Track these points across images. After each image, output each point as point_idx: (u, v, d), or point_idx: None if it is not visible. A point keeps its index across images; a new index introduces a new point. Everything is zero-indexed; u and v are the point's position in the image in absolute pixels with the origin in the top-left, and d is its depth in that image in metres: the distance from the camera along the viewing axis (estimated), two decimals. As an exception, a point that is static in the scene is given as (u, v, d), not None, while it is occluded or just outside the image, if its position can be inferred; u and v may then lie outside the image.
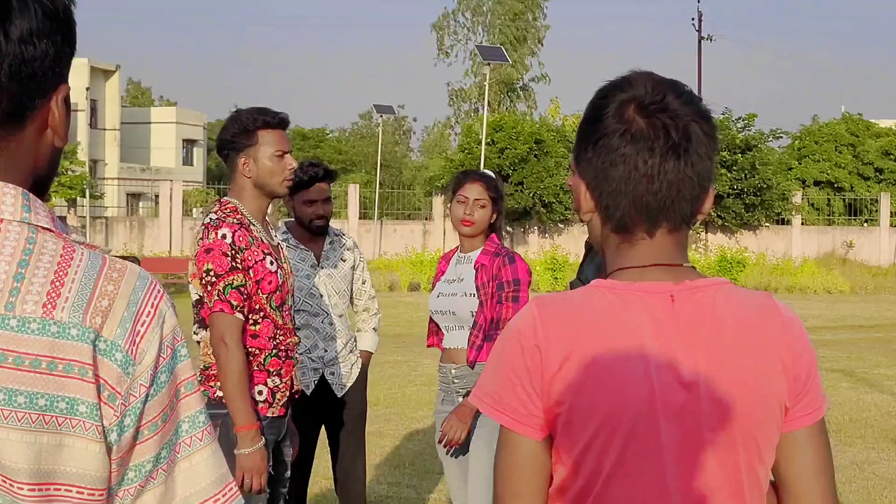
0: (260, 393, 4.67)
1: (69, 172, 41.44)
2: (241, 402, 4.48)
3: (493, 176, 5.83)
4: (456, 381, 5.58)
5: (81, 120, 62.35)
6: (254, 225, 4.69)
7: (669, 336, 2.01)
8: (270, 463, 4.70)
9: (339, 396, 6.17)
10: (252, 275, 4.60)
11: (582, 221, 2.19)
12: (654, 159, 2.01)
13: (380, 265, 36.56)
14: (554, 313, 2.02)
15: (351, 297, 6.38)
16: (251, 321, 4.64)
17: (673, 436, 1.99)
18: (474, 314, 5.50)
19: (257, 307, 4.65)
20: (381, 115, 51.98)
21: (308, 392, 6.05)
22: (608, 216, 2.08)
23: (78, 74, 63.32)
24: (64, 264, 1.67)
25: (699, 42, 58.80)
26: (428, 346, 5.96)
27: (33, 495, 1.62)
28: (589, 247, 4.40)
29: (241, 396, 4.49)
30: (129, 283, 1.70)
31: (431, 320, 5.86)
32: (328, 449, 6.46)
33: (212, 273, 4.54)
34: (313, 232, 6.16)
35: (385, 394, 13.05)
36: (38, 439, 1.61)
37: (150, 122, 71.78)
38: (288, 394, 4.81)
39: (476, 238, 5.68)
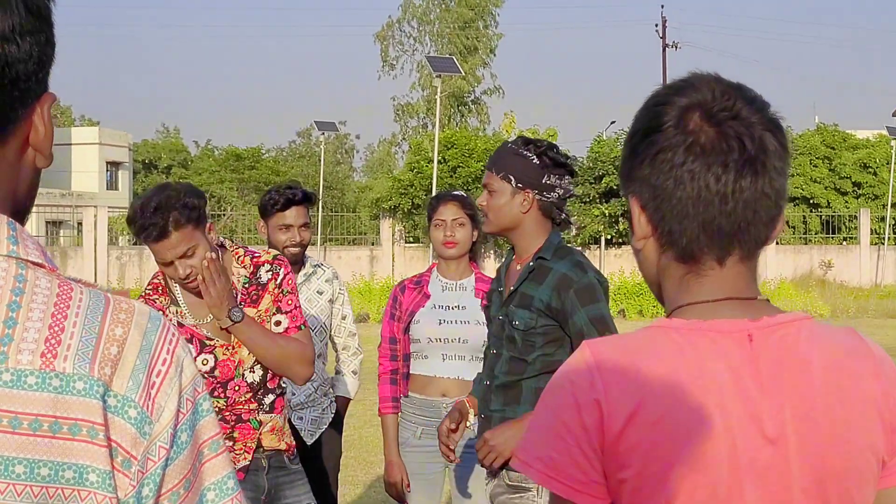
0: None
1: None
2: None
3: (465, 195, 6.00)
4: None
5: (-6, 142, 62.06)
6: (177, 305, 4.59)
7: (749, 383, 1.88)
8: None
9: (308, 444, 6.02)
10: None
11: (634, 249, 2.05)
12: (729, 175, 1.88)
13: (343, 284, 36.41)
14: (613, 360, 1.88)
15: (330, 334, 6.26)
16: None
17: (759, 498, 1.86)
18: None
19: None
20: (322, 133, 51.80)
21: None
22: (671, 242, 1.95)
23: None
24: (62, 305, 1.54)
25: (663, 49, 59.37)
26: (385, 411, 5.92)
27: None
28: (532, 268, 4.38)
29: None
30: (139, 325, 1.57)
31: (398, 359, 5.85)
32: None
33: None
34: (290, 260, 5.98)
35: (363, 436, 12.86)
36: None
37: (70, 144, 71.26)
38: (249, 457, 4.68)
39: (461, 260, 5.86)
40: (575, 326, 4.22)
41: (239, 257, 4.69)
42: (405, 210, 41.60)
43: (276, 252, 4.77)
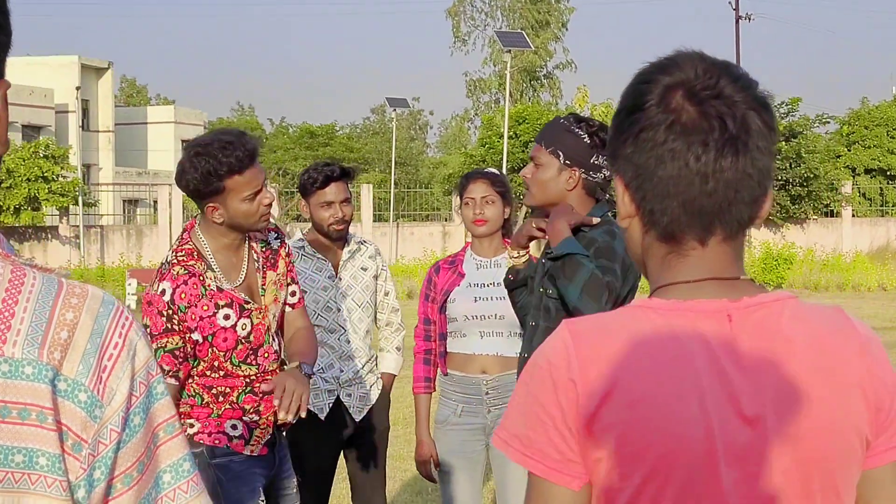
0: (234, 427, 4.57)
1: (60, 179, 41.49)
2: None
3: (497, 172, 6.01)
4: (490, 392, 5.63)
5: (72, 122, 62.58)
6: (212, 270, 4.52)
7: (727, 363, 1.84)
8: (263, 500, 4.62)
9: (356, 421, 6.03)
10: (200, 334, 4.45)
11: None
12: (709, 155, 1.84)
13: (396, 271, 36.47)
14: (590, 340, 1.85)
15: (376, 310, 6.27)
16: (211, 377, 4.54)
17: (737, 482, 1.83)
18: None
19: (215, 364, 4.53)
20: (395, 110, 52.08)
21: (322, 416, 5.95)
22: (653, 222, 1.91)
23: (68, 73, 63.73)
24: (13, 290, 1.53)
25: (736, 21, 58.71)
26: (418, 391, 5.95)
27: None
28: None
29: None
30: (91, 309, 1.56)
31: (432, 339, 5.89)
32: (346, 476, 6.36)
33: (148, 331, 4.38)
34: (332, 238, 6.00)
35: (403, 413, 12.84)
36: None
37: (146, 123, 71.97)
38: (270, 432, 4.68)
39: (493, 238, 5.87)
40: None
41: None
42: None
43: (274, 221, 4.75)
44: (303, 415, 4.39)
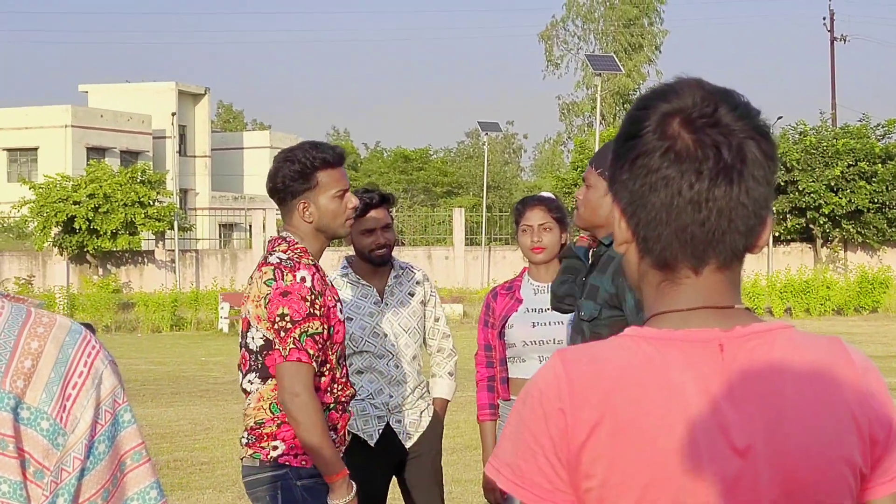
0: None
1: (157, 203, 42.07)
2: (329, 451, 4.47)
3: (553, 197, 6.04)
4: None
5: (169, 147, 63.52)
6: (319, 268, 4.63)
7: (718, 393, 1.81)
8: None
9: (406, 447, 6.02)
10: (326, 323, 4.55)
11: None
12: (702, 183, 1.82)
13: (484, 294, 36.61)
14: (581, 371, 1.83)
15: (424, 337, 6.25)
16: (318, 373, 4.58)
17: None
18: None
19: (325, 361, 4.59)
20: (487, 133, 52.23)
21: (371, 442, 5.92)
22: (646, 249, 1.89)
23: (165, 99, 64.67)
24: None
25: (832, 43, 58.37)
26: (483, 419, 6.01)
27: None
28: (596, 254, 4.26)
29: (327, 446, 4.46)
30: (56, 338, 1.57)
31: (494, 365, 5.93)
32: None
33: (287, 319, 4.44)
34: (375, 264, 5.99)
35: (465, 439, 12.69)
36: None
37: (242, 148, 72.87)
38: (343, 448, 4.74)
39: (551, 263, 5.82)
40: (627, 309, 4.13)
41: None
42: (569, 210, 41.67)
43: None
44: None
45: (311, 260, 4.60)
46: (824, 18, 60.05)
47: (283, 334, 4.44)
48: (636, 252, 1.93)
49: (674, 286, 1.89)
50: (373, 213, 5.88)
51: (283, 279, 4.49)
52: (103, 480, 1.57)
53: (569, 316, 5.69)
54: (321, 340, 4.49)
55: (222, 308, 33.50)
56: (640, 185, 1.86)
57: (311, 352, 4.44)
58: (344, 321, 4.67)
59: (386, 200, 5.95)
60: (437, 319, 6.21)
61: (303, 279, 4.49)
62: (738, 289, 1.92)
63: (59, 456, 1.53)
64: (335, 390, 4.65)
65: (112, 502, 1.58)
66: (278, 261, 4.55)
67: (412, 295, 6.09)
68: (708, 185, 1.82)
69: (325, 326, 4.53)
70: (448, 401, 6.29)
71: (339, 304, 4.66)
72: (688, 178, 1.82)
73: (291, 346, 4.43)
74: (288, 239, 4.64)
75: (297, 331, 4.44)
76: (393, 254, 6.09)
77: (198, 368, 22.59)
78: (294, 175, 4.59)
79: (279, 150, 4.71)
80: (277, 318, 4.46)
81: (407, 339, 6.01)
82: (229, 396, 17.69)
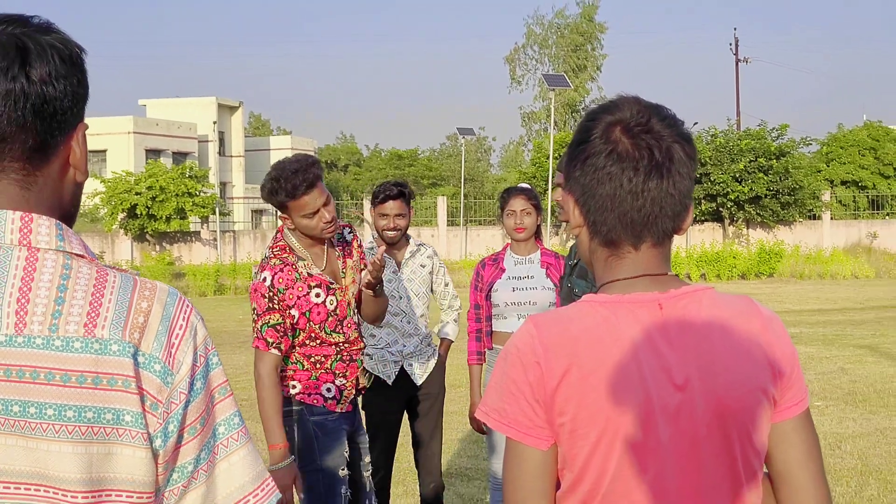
0: (328, 390, 4.57)
1: (202, 194, 41.75)
2: (272, 422, 4.36)
3: (531, 188, 6.03)
4: None
5: (211, 149, 63.06)
6: (302, 260, 4.53)
7: (660, 342, 1.85)
8: (347, 451, 4.63)
9: (417, 385, 6.07)
10: (297, 310, 4.46)
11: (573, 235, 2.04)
12: (639, 178, 1.85)
13: (465, 265, 36.45)
14: (551, 330, 1.86)
15: (439, 298, 6.31)
16: (310, 345, 4.53)
17: (671, 435, 1.83)
18: (553, 304, 5.68)
19: (313, 336, 4.53)
20: (464, 137, 51.88)
21: (389, 382, 5.98)
22: (595, 231, 1.92)
23: (207, 110, 64.19)
24: (100, 286, 1.57)
25: (736, 64, 58.09)
26: (472, 362, 5.99)
27: (87, 502, 1.52)
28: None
29: (271, 419, 4.37)
30: (160, 300, 1.61)
31: (481, 320, 5.94)
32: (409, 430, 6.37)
33: (254, 311, 4.43)
34: (388, 242, 6.00)
35: (458, 379, 12.80)
36: (89, 449, 1.51)
37: (269, 149, 72.23)
38: (354, 392, 4.68)
39: (529, 241, 5.91)
40: None
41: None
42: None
43: (348, 219, 4.79)
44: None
45: (283, 258, 4.49)
46: (730, 44, 59.87)
47: (252, 324, 4.44)
48: (587, 234, 1.95)
49: (619, 260, 1.92)
50: (389, 203, 5.90)
51: (256, 276, 4.49)
52: (201, 409, 1.60)
53: (540, 282, 5.76)
54: (282, 330, 4.42)
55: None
56: (590, 180, 1.89)
57: (270, 340, 4.40)
58: (325, 300, 4.51)
59: (402, 195, 5.95)
60: (446, 285, 6.27)
61: (264, 279, 4.44)
62: (669, 260, 1.94)
63: (169, 391, 1.56)
64: (340, 347, 4.59)
65: (207, 426, 1.61)
66: (262, 258, 4.56)
67: (423, 266, 6.13)
68: (643, 179, 1.85)
69: (289, 316, 4.44)
70: (452, 341, 6.36)
71: (315, 289, 4.51)
72: (627, 174, 1.85)
73: (255, 335, 4.42)
74: (277, 237, 4.60)
75: (259, 322, 4.42)
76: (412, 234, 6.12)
77: (236, 325, 22.52)
78: (267, 199, 4.50)
79: (280, 159, 4.51)
80: (251, 310, 4.46)
81: (417, 301, 6.06)
82: (263, 347, 17.68)
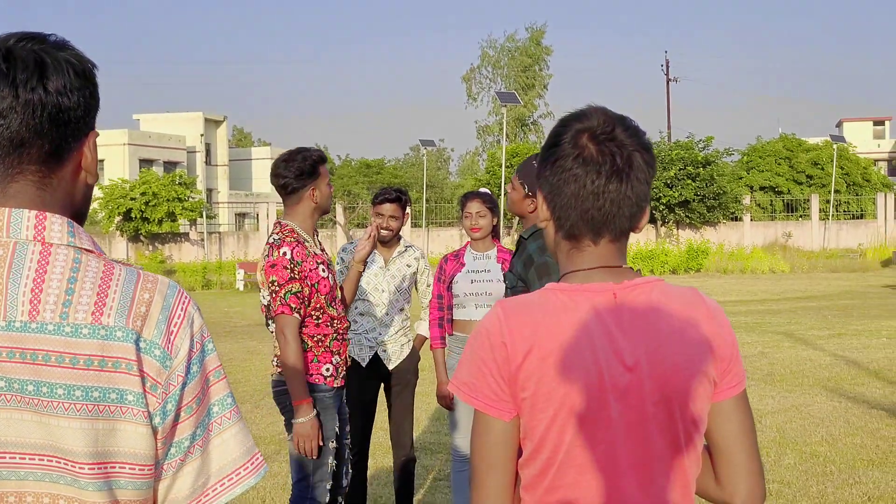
0: (328, 369, 4.61)
1: (190, 199, 41.55)
2: (297, 381, 4.43)
3: (489, 192, 6.00)
4: None
5: (199, 159, 62.76)
6: (307, 241, 4.60)
7: (613, 327, 1.84)
8: (338, 425, 4.65)
9: (389, 369, 6.05)
10: (308, 282, 4.52)
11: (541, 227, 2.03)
12: (600, 180, 1.84)
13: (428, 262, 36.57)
14: (516, 314, 1.86)
15: (421, 296, 6.29)
16: (314, 318, 4.57)
17: (621, 411, 1.83)
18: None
19: (318, 307, 4.57)
20: (426, 148, 51.82)
21: (363, 364, 5.98)
22: (560, 225, 1.92)
23: (195, 124, 63.83)
24: (106, 279, 1.57)
25: (667, 83, 58.50)
26: (435, 346, 5.99)
27: (94, 473, 1.52)
28: (519, 242, 4.25)
29: (296, 377, 4.43)
30: (161, 291, 1.60)
31: (443, 309, 5.94)
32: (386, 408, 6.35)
33: (275, 283, 4.46)
34: (379, 240, 5.98)
35: (430, 364, 12.84)
36: (95, 425, 1.51)
37: (251, 159, 71.98)
38: (345, 368, 4.74)
39: (485, 240, 5.93)
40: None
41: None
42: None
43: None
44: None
45: (294, 237, 4.55)
46: (662, 65, 60.50)
47: (274, 295, 4.47)
48: (553, 227, 1.95)
49: (579, 252, 1.91)
50: (386, 205, 5.89)
51: (271, 255, 4.51)
52: (196, 391, 1.60)
53: (495, 276, 5.78)
54: (301, 297, 4.49)
55: (238, 273, 33.16)
56: (557, 180, 1.88)
57: (293, 305, 4.46)
58: (328, 276, 4.60)
59: (399, 199, 5.94)
60: (428, 286, 6.23)
61: (284, 253, 4.48)
62: (625, 254, 1.94)
63: (167, 374, 1.56)
64: (334, 324, 4.64)
65: (202, 406, 1.61)
66: (272, 241, 4.57)
67: (408, 266, 6.12)
68: (605, 182, 1.84)
69: (307, 286, 4.51)
70: (426, 337, 6.32)
71: (321, 265, 4.59)
72: (591, 176, 1.85)
73: (279, 303, 4.46)
74: (282, 223, 4.63)
75: (283, 292, 4.45)
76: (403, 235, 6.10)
77: (222, 316, 22.39)
78: (306, 169, 4.57)
79: (278, 157, 4.66)
80: (270, 284, 4.48)
81: (398, 296, 6.04)
82: (246, 336, 17.56)
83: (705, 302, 1.93)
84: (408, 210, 6.10)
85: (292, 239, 4.54)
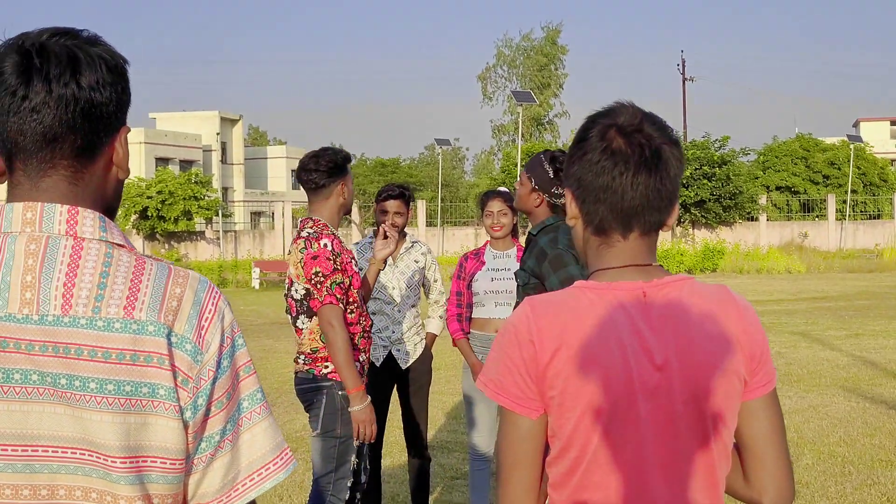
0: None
1: (206, 197, 41.63)
2: (351, 370, 4.48)
3: (508, 191, 6.03)
4: None
5: (214, 158, 62.86)
6: (337, 236, 4.63)
7: (643, 326, 1.83)
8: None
9: (403, 368, 6.04)
10: (346, 274, 4.56)
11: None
12: (629, 172, 1.83)
13: (442, 261, 36.43)
14: (544, 312, 1.84)
15: (427, 291, 6.29)
16: (349, 311, 4.60)
17: (650, 411, 1.81)
18: None
19: (351, 300, 4.60)
20: (441, 147, 51.82)
21: (378, 364, 5.95)
22: (589, 220, 1.90)
23: (211, 123, 63.95)
24: (138, 273, 1.57)
25: (683, 82, 58.35)
26: (458, 337, 5.98)
27: (125, 467, 1.52)
28: (528, 239, 4.24)
29: (350, 365, 4.47)
30: (192, 286, 1.60)
31: (462, 306, 5.95)
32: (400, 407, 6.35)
33: (320, 274, 4.49)
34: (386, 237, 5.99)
35: (448, 361, 12.89)
36: (127, 419, 1.51)
37: (266, 158, 72.05)
38: (368, 365, 4.77)
39: (506, 238, 5.95)
40: (551, 286, 4.11)
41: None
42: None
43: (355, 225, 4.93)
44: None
45: (331, 230, 4.59)
46: (678, 64, 60.30)
47: (318, 286, 4.48)
48: (582, 224, 1.93)
49: (609, 248, 1.90)
50: (391, 202, 5.89)
51: (311, 247, 4.52)
52: (227, 386, 1.59)
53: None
54: (344, 287, 4.53)
55: (254, 271, 33.24)
56: (586, 174, 1.87)
57: (339, 296, 4.50)
58: (358, 272, 4.67)
59: (402, 196, 5.94)
60: (435, 280, 6.23)
61: (325, 245, 4.51)
62: (655, 252, 1.92)
63: (198, 369, 1.56)
64: (361, 321, 4.67)
65: (232, 401, 1.61)
66: (307, 234, 4.58)
67: (416, 262, 6.10)
68: (633, 173, 1.83)
69: (346, 277, 4.55)
70: (436, 335, 6.32)
71: (353, 261, 4.65)
72: (619, 168, 1.83)
73: (325, 293, 4.47)
74: (313, 218, 4.65)
75: (328, 282, 4.48)
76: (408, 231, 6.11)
77: (237, 314, 22.40)
78: (337, 166, 4.62)
79: (303, 155, 4.68)
80: (313, 276, 4.49)
81: (408, 293, 6.02)
82: (262, 334, 17.59)
83: (735, 300, 1.91)
84: (412, 206, 6.09)
85: (329, 231, 4.58)
